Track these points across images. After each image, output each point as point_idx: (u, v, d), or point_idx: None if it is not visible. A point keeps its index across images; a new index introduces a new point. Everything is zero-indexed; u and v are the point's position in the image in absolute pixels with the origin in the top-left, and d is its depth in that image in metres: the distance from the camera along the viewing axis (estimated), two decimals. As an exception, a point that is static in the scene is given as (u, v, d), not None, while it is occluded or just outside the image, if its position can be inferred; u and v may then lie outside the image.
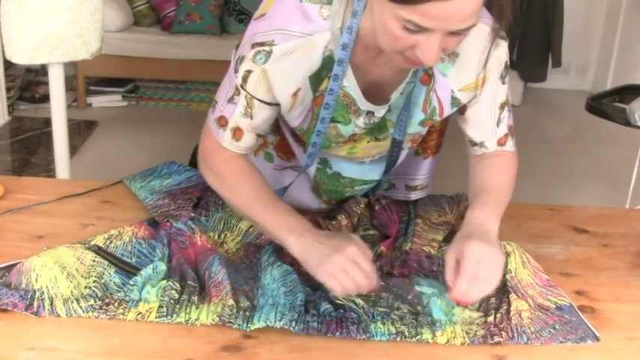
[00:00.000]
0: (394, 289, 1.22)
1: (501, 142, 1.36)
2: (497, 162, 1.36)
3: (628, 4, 5.31)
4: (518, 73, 5.21)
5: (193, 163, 1.66)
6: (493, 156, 1.36)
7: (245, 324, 1.12)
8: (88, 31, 2.48)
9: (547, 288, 1.25)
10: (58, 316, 1.13)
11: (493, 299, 1.20)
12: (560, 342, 1.14)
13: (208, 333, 1.12)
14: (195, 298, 1.17)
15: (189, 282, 1.20)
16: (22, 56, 2.44)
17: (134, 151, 4.12)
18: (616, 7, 5.45)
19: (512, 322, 1.16)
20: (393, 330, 1.12)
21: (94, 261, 1.24)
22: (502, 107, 1.33)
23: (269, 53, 1.18)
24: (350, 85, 1.23)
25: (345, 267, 1.14)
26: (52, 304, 1.14)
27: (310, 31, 1.17)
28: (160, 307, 1.15)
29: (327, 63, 1.20)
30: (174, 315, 1.14)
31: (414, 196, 1.60)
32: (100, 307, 1.15)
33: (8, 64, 4.31)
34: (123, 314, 1.14)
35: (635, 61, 5.15)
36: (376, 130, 1.33)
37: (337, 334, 1.12)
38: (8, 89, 4.53)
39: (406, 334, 1.13)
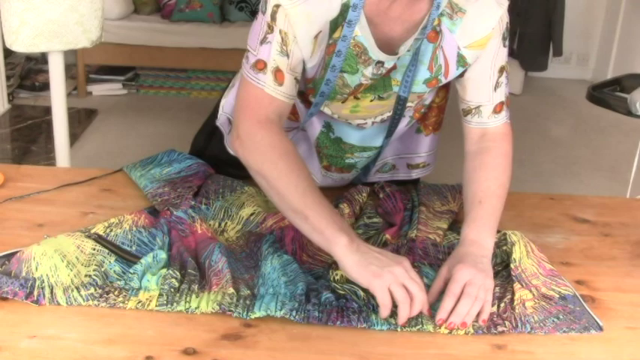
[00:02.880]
0: None
1: (497, 110, 1.37)
2: (490, 161, 1.35)
3: (630, -7, 5.29)
4: (519, 62, 5.19)
5: (194, 151, 1.65)
6: (486, 151, 1.36)
7: (245, 312, 1.12)
8: (88, 19, 2.47)
9: (551, 278, 1.25)
10: (59, 304, 1.13)
11: (497, 289, 1.20)
12: (564, 331, 1.14)
13: (208, 321, 1.12)
14: (195, 287, 1.17)
15: (189, 270, 1.20)
16: (22, 44, 2.44)
17: (134, 140, 4.12)
18: (618, -4, 5.44)
19: (516, 311, 1.16)
20: (393, 320, 1.12)
21: (94, 249, 1.24)
22: (501, 71, 1.35)
23: None
24: (363, 34, 1.24)
25: (404, 280, 1.11)
26: (52, 292, 1.14)
27: None
28: (160, 295, 1.15)
29: (344, 11, 1.22)
30: (175, 304, 1.14)
31: (416, 174, 1.61)
32: (100, 296, 1.15)
33: (8, 52, 4.30)
34: (123, 303, 1.14)
35: (636, 49, 5.14)
36: (380, 88, 1.34)
37: (338, 322, 1.12)
38: (8, 77, 4.52)
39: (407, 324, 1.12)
